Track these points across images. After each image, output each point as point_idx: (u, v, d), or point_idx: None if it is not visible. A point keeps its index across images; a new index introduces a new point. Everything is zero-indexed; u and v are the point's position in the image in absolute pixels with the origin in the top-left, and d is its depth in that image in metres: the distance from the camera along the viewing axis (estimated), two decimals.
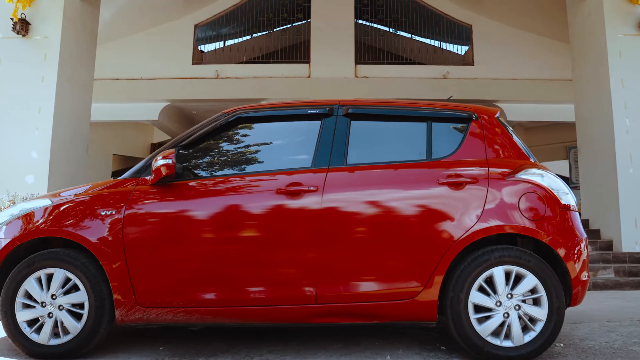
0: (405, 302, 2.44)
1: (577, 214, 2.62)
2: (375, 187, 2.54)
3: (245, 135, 2.85)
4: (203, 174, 2.73)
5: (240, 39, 11.97)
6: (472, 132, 2.72)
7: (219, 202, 2.54)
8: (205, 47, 11.70)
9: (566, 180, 13.47)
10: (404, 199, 2.51)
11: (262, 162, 2.76)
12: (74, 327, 2.47)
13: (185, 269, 2.49)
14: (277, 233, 2.49)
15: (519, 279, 2.44)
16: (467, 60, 11.12)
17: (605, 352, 2.66)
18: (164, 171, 2.48)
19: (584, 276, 2.53)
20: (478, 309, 2.43)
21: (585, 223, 7.16)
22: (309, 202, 2.50)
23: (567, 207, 2.55)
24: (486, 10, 10.86)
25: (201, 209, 2.53)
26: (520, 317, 2.42)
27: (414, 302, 2.44)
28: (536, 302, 2.44)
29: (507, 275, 2.43)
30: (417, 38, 11.88)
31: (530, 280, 2.43)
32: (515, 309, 2.41)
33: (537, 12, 10.28)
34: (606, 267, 5.99)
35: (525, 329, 2.43)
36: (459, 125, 2.76)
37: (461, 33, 11.25)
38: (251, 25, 11.39)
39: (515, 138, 2.76)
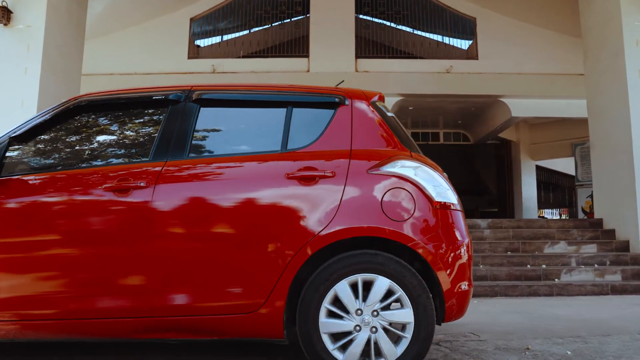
0: (245, 316, 2.09)
1: (459, 213, 2.29)
2: (214, 184, 2.22)
3: (86, 125, 2.52)
4: (28, 168, 2.38)
5: (237, 34, 11.66)
6: (338, 119, 2.37)
7: (39, 201, 2.20)
8: (202, 42, 11.40)
9: (572, 178, 13.20)
10: (246, 197, 2.18)
11: (100, 155, 2.42)
12: None
13: None
14: (101, 235, 2.16)
15: (381, 290, 2.10)
16: (470, 54, 10.80)
17: None
18: None
19: (464, 286, 2.19)
20: (335, 321, 2.09)
21: (599, 223, 6.82)
22: (137, 200, 2.16)
23: (444, 206, 2.22)
24: (490, 3, 10.55)
25: (15, 210, 2.19)
26: (381, 335, 2.07)
27: (256, 316, 2.09)
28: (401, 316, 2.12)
29: (369, 284, 2.09)
30: (419, 32, 11.57)
31: (393, 292, 2.09)
32: (374, 324, 2.06)
33: (543, 4, 10.01)
34: (624, 269, 5.65)
35: (390, 348, 2.08)
36: (325, 112, 2.41)
37: (465, 26, 10.94)
38: (249, 19, 11.11)
39: (393, 126, 2.43)
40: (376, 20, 11.38)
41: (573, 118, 10.72)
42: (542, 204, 14.05)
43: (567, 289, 5.26)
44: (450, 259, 2.16)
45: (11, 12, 6.07)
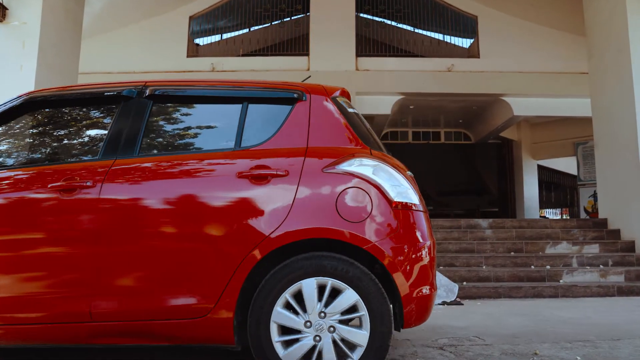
0: (196, 320, 2.00)
1: (421, 214, 2.18)
2: (163, 183, 2.13)
3: (35, 122, 2.44)
4: None
5: (237, 32, 11.57)
6: (295, 115, 2.28)
7: None
8: (201, 41, 11.31)
9: (573, 178, 13.10)
10: (195, 198, 2.10)
11: (49, 153, 2.36)
12: None
13: None
14: (47, 237, 2.08)
15: (336, 294, 1.99)
16: (472, 52, 10.70)
17: None
18: None
19: (425, 290, 2.08)
20: (285, 330, 2.00)
21: (604, 222, 6.72)
22: (84, 200, 2.09)
23: (404, 206, 2.11)
24: (492, 1, 10.46)
25: None
26: (335, 342, 1.97)
27: (206, 320, 2.00)
28: (356, 322, 2.00)
29: (322, 289, 1.99)
30: (420, 31, 11.48)
31: (349, 296, 1.97)
32: (328, 331, 1.96)
33: (545, 2, 9.94)
34: (630, 270, 5.55)
35: (343, 356, 1.97)
36: (282, 108, 2.33)
37: (466, 24, 10.85)
38: (248, 17, 11.02)
39: (354, 122, 2.33)
40: (377, 18, 11.30)
41: (575, 117, 10.63)
42: (544, 203, 13.95)
43: (572, 290, 5.17)
44: (409, 262, 2.06)
45: (6, 9, 5.99)
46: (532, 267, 5.67)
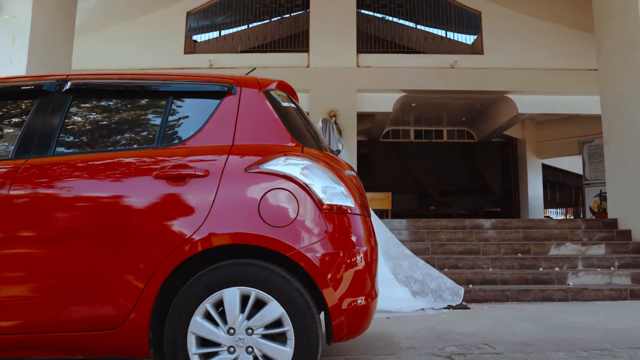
0: (109, 332, 1.86)
1: (357, 218, 2.00)
2: (76, 184, 1.98)
3: None
4: None
5: (235, 29, 11.40)
6: (222, 110, 2.12)
7: None
8: (199, 37, 11.13)
9: (578, 177, 12.89)
10: (109, 200, 1.94)
11: None
12: None
13: None
14: None
15: (261, 306, 1.83)
16: (476, 49, 10.50)
17: None
18: None
19: (359, 301, 1.91)
20: (204, 342, 1.83)
21: (614, 223, 6.51)
22: None
23: (336, 209, 1.93)
24: None
25: None
26: (256, 359, 1.81)
27: (119, 332, 1.85)
28: (280, 338, 1.82)
29: (245, 300, 1.83)
30: (422, 27, 11.28)
31: (273, 309, 1.81)
32: (249, 347, 1.80)
33: None
34: None
35: None
36: (210, 102, 2.16)
37: (470, 20, 10.65)
38: (247, 13, 10.83)
39: (288, 118, 2.16)
40: (378, 15, 11.10)
41: (581, 115, 10.42)
42: (548, 203, 13.74)
43: (583, 293, 4.95)
44: (340, 271, 1.88)
45: None
46: (541, 269, 5.46)
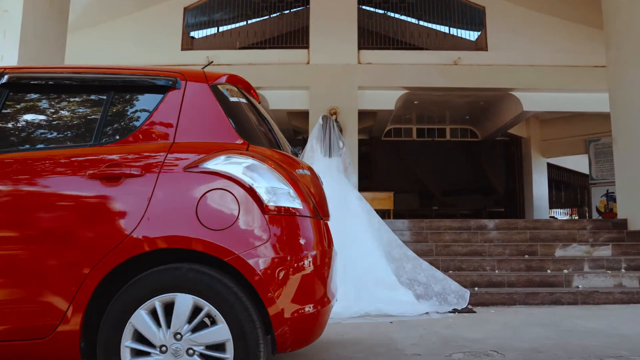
0: (40, 342, 1.76)
1: (306, 220, 1.90)
2: (6, 184, 1.87)
3: None
4: None
5: (234, 25, 11.22)
6: (165, 105, 2.02)
7: None
8: (197, 34, 10.96)
9: (584, 176, 12.67)
10: (40, 201, 1.84)
11: None
12: None
13: None
14: None
15: (196, 313, 1.72)
16: (480, 45, 10.29)
17: None
18: None
19: (307, 309, 1.81)
20: (138, 353, 1.73)
21: (623, 223, 6.30)
22: None
23: (281, 211, 1.84)
24: None
25: None
26: None
27: (50, 342, 1.76)
28: (220, 348, 1.71)
29: (182, 308, 1.74)
30: (425, 23, 11.09)
31: (211, 315, 1.72)
32: (184, 357, 1.69)
33: None
34: None
35: None
36: (152, 97, 2.06)
37: (473, 16, 10.44)
38: (246, 9, 10.65)
39: (236, 114, 2.04)
40: (379, 10, 10.91)
41: (587, 113, 10.20)
42: (553, 203, 13.52)
43: (593, 296, 4.75)
44: (283, 278, 1.77)
45: None
46: (549, 271, 5.26)
